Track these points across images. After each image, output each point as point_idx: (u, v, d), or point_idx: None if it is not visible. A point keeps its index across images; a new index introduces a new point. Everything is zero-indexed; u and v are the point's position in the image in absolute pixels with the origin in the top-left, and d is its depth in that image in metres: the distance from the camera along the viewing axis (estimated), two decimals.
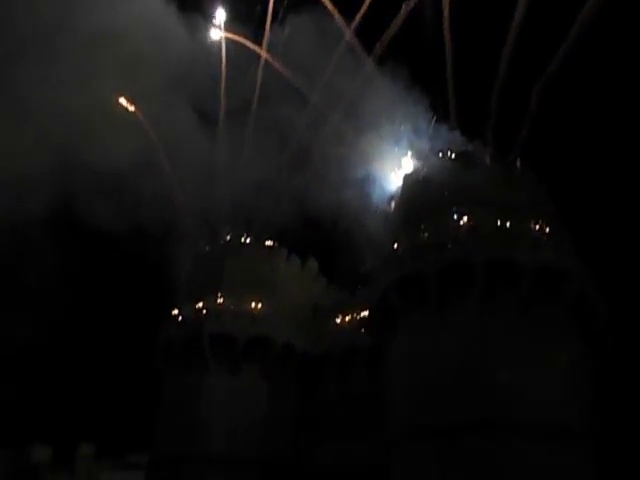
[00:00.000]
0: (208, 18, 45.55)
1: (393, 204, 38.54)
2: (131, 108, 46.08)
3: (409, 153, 40.39)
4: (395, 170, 42.48)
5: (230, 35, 45.76)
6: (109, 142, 42.30)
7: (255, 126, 47.57)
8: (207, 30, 45.92)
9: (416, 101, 45.49)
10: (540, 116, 41.69)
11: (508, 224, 32.47)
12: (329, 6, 45.63)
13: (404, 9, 45.85)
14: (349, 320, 40.49)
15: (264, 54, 46.66)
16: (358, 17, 46.25)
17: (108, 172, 42.51)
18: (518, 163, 35.20)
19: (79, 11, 38.92)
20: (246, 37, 46.59)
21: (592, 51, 43.54)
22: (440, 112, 44.82)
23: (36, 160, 40.53)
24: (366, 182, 42.83)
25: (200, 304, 42.21)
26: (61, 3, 39.22)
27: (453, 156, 36.80)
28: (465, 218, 33.44)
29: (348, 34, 46.88)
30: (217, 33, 46.01)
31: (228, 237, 45.22)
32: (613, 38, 44.80)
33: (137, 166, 43.68)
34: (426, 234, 34.34)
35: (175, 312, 43.45)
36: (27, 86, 39.94)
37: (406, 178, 38.66)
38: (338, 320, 41.09)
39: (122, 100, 45.71)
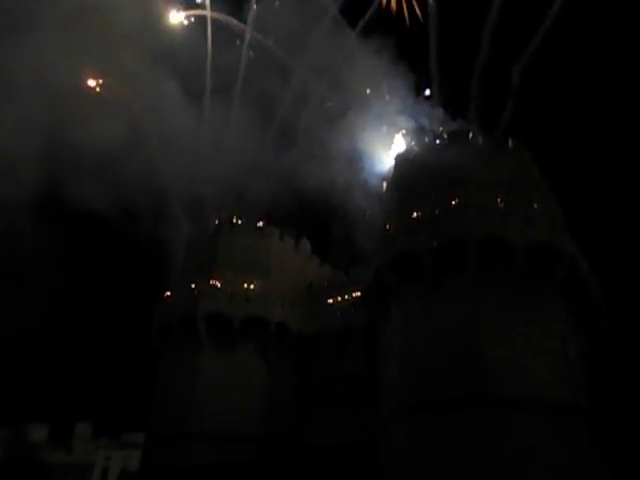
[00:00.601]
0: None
1: (385, 183, 38.42)
2: (97, 89, 44.77)
3: (400, 131, 40.17)
4: (385, 148, 42.38)
5: (215, 14, 44.92)
6: (95, 122, 41.59)
7: (241, 104, 47.21)
8: (190, 9, 45.06)
9: (401, 76, 45.38)
10: (527, 93, 41.81)
11: (501, 202, 32.44)
12: None
13: None
14: (343, 299, 40.60)
15: (248, 31, 46.03)
16: None
17: (95, 153, 41.94)
18: (510, 141, 34.98)
19: None
20: (230, 14, 45.91)
21: (571, 29, 43.48)
22: (424, 89, 44.90)
23: (21, 142, 39.91)
24: (356, 159, 42.78)
25: (194, 285, 42.21)
26: None
27: (445, 135, 36.57)
28: (458, 196, 33.35)
29: (332, 9, 46.46)
30: (201, 11, 45.13)
31: (221, 218, 44.96)
32: (592, 15, 44.61)
33: (124, 146, 43.13)
34: (419, 212, 34.26)
35: (169, 293, 43.47)
36: (9, 66, 39.15)
37: (398, 157, 38.39)
38: (332, 299, 41.20)
39: (91, 81, 44.53)
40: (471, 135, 35.48)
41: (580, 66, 45.86)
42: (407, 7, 47.50)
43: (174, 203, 45.06)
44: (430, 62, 45.92)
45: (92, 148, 41.36)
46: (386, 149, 41.63)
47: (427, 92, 45.32)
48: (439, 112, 42.63)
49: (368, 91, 47.39)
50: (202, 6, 45.15)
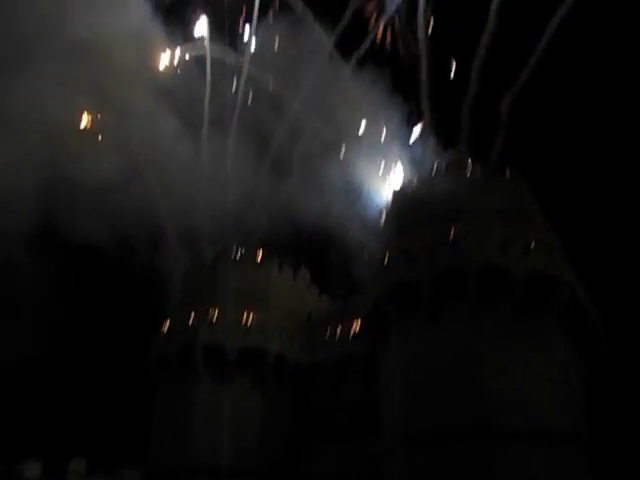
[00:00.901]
0: (191, 30, 45.61)
1: (383, 214, 38.82)
2: (88, 124, 45.09)
3: (397, 162, 40.80)
4: (381, 178, 42.94)
5: (213, 46, 45.78)
6: (92, 156, 41.89)
7: (238, 136, 47.73)
8: (190, 42, 45.90)
9: (396, 107, 46.17)
10: (517, 123, 42.66)
11: (498, 231, 32.79)
12: (309, 17, 46.10)
13: (378, 24, 46.69)
14: (342, 329, 40.57)
15: (245, 66, 46.86)
16: (338, 29, 46.73)
17: (92, 186, 42.14)
18: (507, 171, 35.54)
19: (62, 22, 38.51)
20: (227, 45, 46.80)
21: (559, 61, 44.65)
22: (417, 120, 45.67)
23: (17, 176, 40.07)
24: (352, 189, 43.28)
25: (192, 316, 42.13)
26: (45, 12, 38.81)
27: (442, 166, 37.14)
28: (456, 226, 33.72)
29: (328, 44, 47.27)
30: (200, 45, 45.97)
31: (219, 249, 45.14)
32: (580, 47, 45.88)
33: (122, 179, 43.36)
34: (417, 243, 34.54)
35: (167, 325, 43.35)
36: (5, 100, 39.52)
37: (397, 189, 38.83)
38: (331, 330, 41.16)
39: (88, 116, 44.90)
40: (467, 166, 36.09)
41: (570, 95, 46.85)
42: (401, 41, 48.47)
43: (171, 234, 45.20)
44: (422, 94, 46.75)
45: (89, 181, 41.59)
46: (382, 179, 42.19)
47: (420, 123, 46.09)
48: (432, 142, 43.33)
49: (363, 123, 48.06)
50: (201, 42, 45.95)
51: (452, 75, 46.14)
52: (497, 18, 43.63)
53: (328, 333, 41.20)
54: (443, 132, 44.30)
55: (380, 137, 46.13)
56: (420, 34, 46.67)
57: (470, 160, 37.35)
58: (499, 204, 33.88)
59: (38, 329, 48.84)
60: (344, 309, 41.79)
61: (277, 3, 45.27)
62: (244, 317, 41.50)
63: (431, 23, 46.35)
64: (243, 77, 46.53)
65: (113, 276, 49.41)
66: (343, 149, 46.64)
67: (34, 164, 40.29)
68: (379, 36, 48.03)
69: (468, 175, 35.54)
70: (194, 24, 45.35)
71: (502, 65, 44.77)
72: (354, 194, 41.87)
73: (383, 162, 42.41)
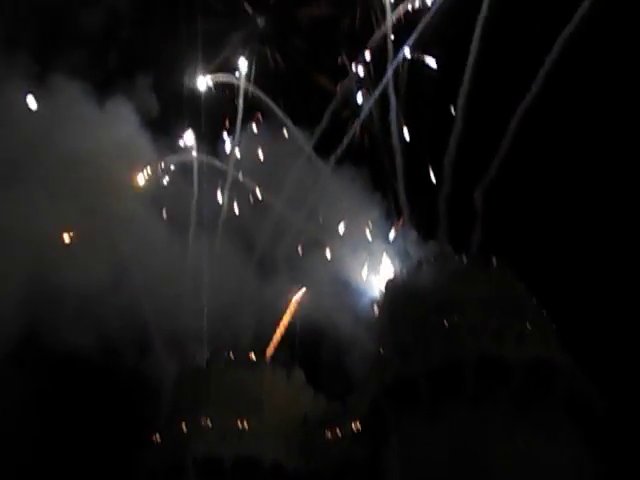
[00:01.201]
0: (177, 141, 47.18)
1: (376, 308, 38.89)
2: (72, 237, 45.35)
3: (382, 256, 41.44)
4: (369, 272, 43.37)
5: (198, 155, 47.28)
6: (78, 265, 41.79)
7: (224, 238, 48.27)
8: (176, 152, 47.38)
9: (375, 204, 47.32)
10: (493, 213, 43.75)
11: (492, 321, 32.85)
12: (289, 123, 48.05)
13: (354, 126, 48.83)
14: (341, 432, 39.21)
15: (229, 171, 48.20)
16: (316, 133, 48.57)
17: (77, 293, 41.80)
18: (494, 261, 36.17)
19: (52, 136, 39.66)
20: (212, 154, 48.34)
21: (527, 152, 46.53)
22: (397, 214, 46.76)
23: (1, 287, 39.68)
24: (341, 284, 43.52)
25: (183, 426, 40.58)
26: (35, 126, 40.01)
27: (430, 257, 37.73)
28: (450, 317, 33.78)
29: (308, 147, 48.94)
30: (186, 154, 47.43)
31: (209, 352, 44.33)
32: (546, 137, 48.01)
33: (108, 284, 43.16)
34: (412, 336, 34.40)
35: (157, 437, 41.60)
36: None
37: (387, 282, 39.22)
38: (329, 433, 39.73)
39: (66, 236, 45.21)
40: (454, 257, 36.77)
41: (542, 179, 48.52)
42: (377, 141, 50.36)
43: (159, 338, 44.52)
44: (399, 190, 48.01)
45: (74, 288, 41.27)
46: (370, 273, 42.62)
47: (400, 218, 47.15)
48: (413, 235, 44.23)
49: (343, 220, 48.94)
50: (187, 151, 47.45)
51: (430, 173, 47.67)
52: (463, 119, 45.77)
53: (326, 437, 39.75)
54: (422, 225, 45.35)
55: (363, 232, 47.01)
56: (394, 135, 48.63)
57: (451, 250, 38.33)
58: (489, 293, 34.19)
59: (18, 445, 46.49)
60: (341, 410, 40.65)
61: (259, 115, 47.42)
62: (238, 423, 40.08)
63: (403, 125, 48.43)
64: (227, 182, 47.74)
65: (99, 385, 47.96)
66: (327, 247, 47.27)
67: (18, 275, 40.06)
68: (357, 136, 50.07)
69: (456, 266, 36.07)
70: (180, 135, 47.02)
71: (473, 158, 46.65)
72: (343, 289, 42.00)
73: (368, 256, 42.96)
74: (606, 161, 44.45)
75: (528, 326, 32.57)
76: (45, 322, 41.23)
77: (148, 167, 43.53)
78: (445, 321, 33.64)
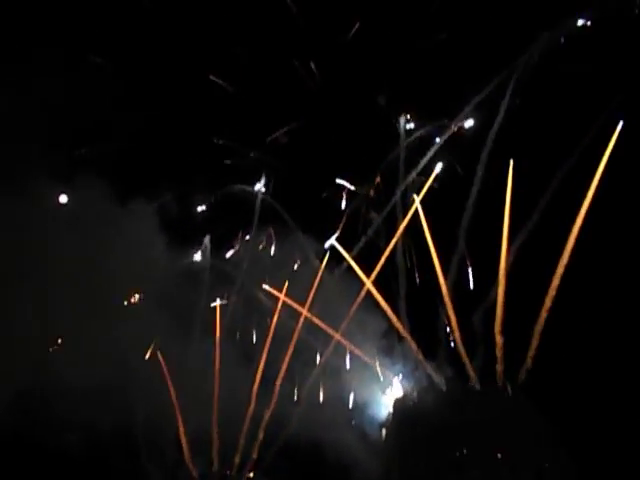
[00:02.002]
0: (196, 245, 47.46)
1: (384, 430, 37.62)
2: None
3: (384, 373, 40.60)
4: (372, 391, 42.30)
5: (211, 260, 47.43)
6: (71, 368, 40.54)
7: (227, 345, 47.29)
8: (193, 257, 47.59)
9: (380, 320, 46.91)
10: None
11: (507, 453, 31.82)
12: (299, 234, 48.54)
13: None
14: None
15: (240, 278, 48.11)
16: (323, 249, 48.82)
17: (69, 396, 40.19)
18: (509, 389, 35.52)
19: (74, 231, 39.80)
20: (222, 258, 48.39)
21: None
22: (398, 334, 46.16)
23: None
24: (345, 403, 42.27)
25: None
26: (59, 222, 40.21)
27: (441, 381, 37.08)
28: (462, 444, 32.74)
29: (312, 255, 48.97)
30: (203, 259, 47.57)
31: (207, 472, 42.08)
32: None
33: (101, 388, 41.65)
34: (422, 462, 33.18)
35: None
36: None
37: (396, 403, 38.20)
38: None
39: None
40: (470, 383, 36.13)
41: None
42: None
43: (152, 455, 42.41)
44: (400, 309, 47.69)
45: (66, 392, 39.70)
46: (376, 393, 41.57)
47: (402, 337, 46.62)
48: (417, 354, 43.60)
49: (344, 336, 48.20)
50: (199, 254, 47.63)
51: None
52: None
53: None
54: (424, 343, 44.76)
55: (368, 348, 46.26)
56: (398, 255, 48.89)
57: (452, 372, 37.63)
58: (504, 421, 33.39)
59: None
60: None
61: (272, 230, 48.11)
62: None
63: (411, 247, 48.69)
64: (236, 287, 47.49)
65: None
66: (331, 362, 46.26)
67: (9, 379, 38.66)
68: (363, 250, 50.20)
69: (471, 389, 35.40)
70: (196, 242, 47.43)
71: (474, 280, 46.77)
72: (348, 407, 40.73)
73: (380, 375, 42.04)
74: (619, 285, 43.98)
75: (546, 460, 31.54)
76: (34, 423, 39.44)
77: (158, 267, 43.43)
78: (457, 452, 32.56)
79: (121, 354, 42.52)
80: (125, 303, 44.30)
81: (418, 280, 47.44)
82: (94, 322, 41.15)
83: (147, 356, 44.63)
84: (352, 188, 48.79)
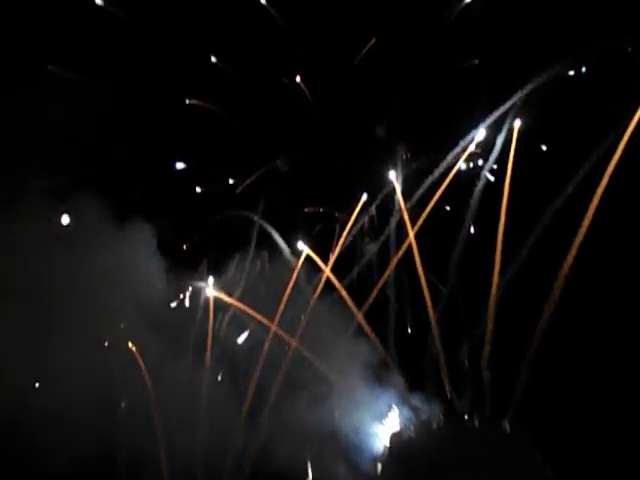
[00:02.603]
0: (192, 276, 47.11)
1: (379, 465, 37.16)
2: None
3: (391, 411, 40.23)
4: (368, 422, 41.88)
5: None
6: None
7: (215, 374, 46.62)
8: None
9: (370, 352, 46.70)
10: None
11: None
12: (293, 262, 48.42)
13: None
14: None
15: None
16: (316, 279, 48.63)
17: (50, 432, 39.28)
18: (507, 426, 35.44)
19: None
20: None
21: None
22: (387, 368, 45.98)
23: None
24: (338, 435, 41.67)
25: None
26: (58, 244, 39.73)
27: (439, 416, 36.87)
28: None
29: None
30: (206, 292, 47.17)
31: None
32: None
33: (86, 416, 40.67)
34: None
35: None
36: None
37: (392, 438, 37.82)
38: None
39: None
40: (467, 419, 35.97)
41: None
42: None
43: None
44: (389, 343, 47.58)
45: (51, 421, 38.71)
46: (365, 423, 41.10)
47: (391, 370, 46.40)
48: (404, 386, 43.46)
49: (333, 366, 47.84)
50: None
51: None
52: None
53: None
54: (411, 376, 44.60)
55: (355, 383, 45.91)
56: (389, 287, 48.94)
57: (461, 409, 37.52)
58: (502, 461, 33.23)
59: None
60: None
61: (266, 254, 47.96)
62: None
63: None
64: (227, 317, 46.99)
65: None
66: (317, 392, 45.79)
67: None
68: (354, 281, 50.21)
69: (468, 426, 35.22)
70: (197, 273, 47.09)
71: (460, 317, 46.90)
72: (341, 440, 40.16)
73: (370, 406, 41.64)
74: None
75: None
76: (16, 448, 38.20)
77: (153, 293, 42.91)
78: None
79: (106, 383, 41.85)
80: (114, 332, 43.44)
81: (410, 311, 47.87)
82: (82, 350, 40.60)
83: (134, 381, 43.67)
84: (343, 218, 49.11)
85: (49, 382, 40.60)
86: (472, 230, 46.24)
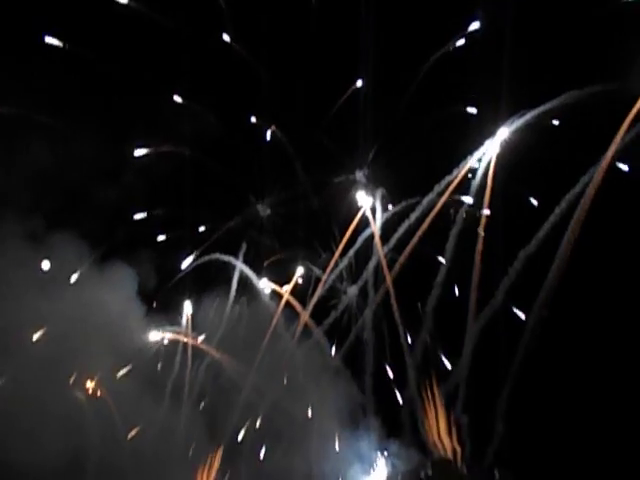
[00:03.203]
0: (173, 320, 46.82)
1: None
2: None
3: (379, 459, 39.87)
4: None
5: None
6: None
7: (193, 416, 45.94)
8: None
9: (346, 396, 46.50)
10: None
11: None
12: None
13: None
14: None
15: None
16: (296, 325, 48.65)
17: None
18: (497, 473, 35.21)
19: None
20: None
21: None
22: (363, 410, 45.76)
23: None
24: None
25: None
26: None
27: (427, 465, 36.50)
28: None
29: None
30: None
31: None
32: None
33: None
34: None
35: None
36: None
37: None
38: None
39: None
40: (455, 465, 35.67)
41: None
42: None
43: None
44: (366, 387, 47.41)
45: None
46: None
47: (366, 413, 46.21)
48: (376, 431, 43.32)
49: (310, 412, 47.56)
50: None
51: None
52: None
53: None
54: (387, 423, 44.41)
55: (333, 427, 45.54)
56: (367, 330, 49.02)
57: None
58: None
59: None
60: None
61: (245, 299, 47.84)
62: None
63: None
64: (206, 360, 46.58)
65: None
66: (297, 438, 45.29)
67: None
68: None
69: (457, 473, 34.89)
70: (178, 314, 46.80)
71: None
72: None
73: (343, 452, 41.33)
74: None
75: None
76: None
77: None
78: None
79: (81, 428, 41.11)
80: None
81: (388, 354, 47.86)
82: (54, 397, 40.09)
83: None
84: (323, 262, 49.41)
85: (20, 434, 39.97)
86: (447, 272, 46.86)
